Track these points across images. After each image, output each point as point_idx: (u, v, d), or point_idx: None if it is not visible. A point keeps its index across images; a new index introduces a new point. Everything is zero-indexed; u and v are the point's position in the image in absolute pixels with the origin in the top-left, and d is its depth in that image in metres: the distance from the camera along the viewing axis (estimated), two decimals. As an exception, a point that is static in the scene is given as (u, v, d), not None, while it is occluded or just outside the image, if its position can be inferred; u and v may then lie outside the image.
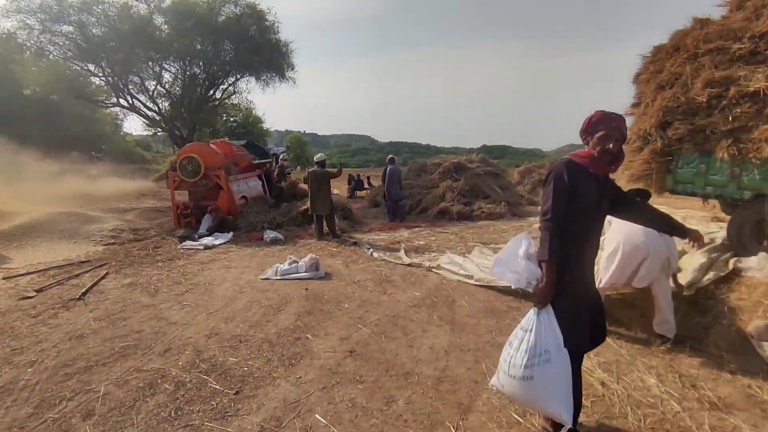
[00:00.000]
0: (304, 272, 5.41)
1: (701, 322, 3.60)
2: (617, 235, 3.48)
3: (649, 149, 5.74)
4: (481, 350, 3.31)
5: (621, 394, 2.61)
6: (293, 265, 5.51)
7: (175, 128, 22.69)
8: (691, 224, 8.93)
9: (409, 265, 5.96)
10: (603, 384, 2.72)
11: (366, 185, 17.97)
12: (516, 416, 2.43)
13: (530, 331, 2.03)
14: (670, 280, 3.65)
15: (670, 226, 2.26)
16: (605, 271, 3.49)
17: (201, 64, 22.01)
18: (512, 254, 2.11)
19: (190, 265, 6.13)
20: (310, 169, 8.18)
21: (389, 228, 9.43)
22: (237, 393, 2.74)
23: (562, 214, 1.97)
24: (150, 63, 20.85)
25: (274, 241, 7.72)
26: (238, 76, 23.59)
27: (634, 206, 2.32)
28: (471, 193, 11.27)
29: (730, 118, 5.01)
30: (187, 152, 9.04)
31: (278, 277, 5.37)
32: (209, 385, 2.84)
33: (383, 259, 6.37)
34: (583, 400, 2.54)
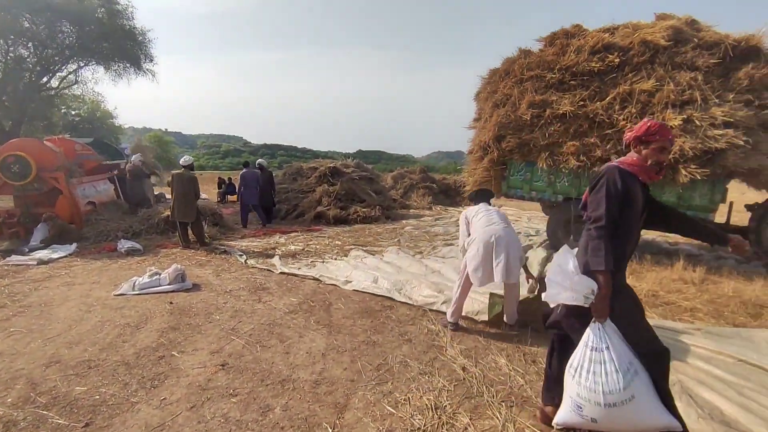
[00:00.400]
0: (168, 285, 4.95)
1: (539, 307, 4.22)
2: (476, 234, 3.76)
3: (488, 159, 6.81)
4: (357, 350, 3.42)
5: (478, 375, 2.94)
6: (155, 278, 5.00)
7: (-6, 120, 18.71)
8: (537, 223, 10.42)
9: (284, 273, 5.85)
10: (464, 369, 3.04)
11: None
12: (390, 408, 2.58)
13: (608, 349, 1.91)
14: (523, 276, 3.97)
15: (709, 234, 2.24)
16: (474, 272, 3.65)
17: (30, 45, 18.53)
18: (563, 271, 1.97)
19: (18, 285, 5.15)
20: (174, 172, 7.51)
21: (264, 233, 9.15)
22: (86, 425, 2.40)
23: (614, 220, 1.95)
24: (-46, 38, 16.88)
25: (131, 252, 6.90)
26: (81, 64, 20.43)
27: (670, 213, 2.30)
28: (347, 197, 11.52)
29: (547, 135, 6.22)
30: (13, 149, 7.57)
31: (136, 292, 4.82)
32: (50, 420, 2.44)
33: (257, 267, 6.16)
34: (447, 384, 2.83)
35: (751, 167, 5.31)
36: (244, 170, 10.22)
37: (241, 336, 3.67)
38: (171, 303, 4.48)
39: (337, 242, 8.14)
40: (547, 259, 5.98)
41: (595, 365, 1.93)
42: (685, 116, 5.51)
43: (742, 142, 5.24)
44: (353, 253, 6.93)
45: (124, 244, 7.05)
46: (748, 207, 6.39)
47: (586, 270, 1.98)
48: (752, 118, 5.44)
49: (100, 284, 5.19)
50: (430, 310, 4.29)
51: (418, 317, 4.15)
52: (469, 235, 3.85)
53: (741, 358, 3.06)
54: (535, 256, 6.09)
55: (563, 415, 2.12)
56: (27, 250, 6.73)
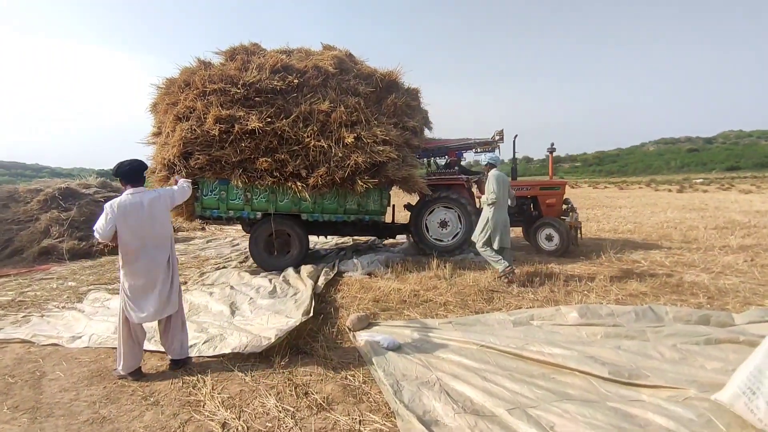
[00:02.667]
0: None
1: (313, 328, 4.03)
2: (126, 243, 3.17)
3: (174, 179, 6.33)
4: (76, 435, 2.51)
5: (242, 430, 2.47)
6: None
7: None
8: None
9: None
10: (224, 425, 2.52)
11: None
12: None
13: None
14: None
15: None
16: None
17: None
18: None
19: None
20: None
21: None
22: None
23: None
24: None
25: None
26: None
27: None
28: (88, 224, 9.31)
29: (239, 151, 6.17)
30: None
31: None
32: None
33: None
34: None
35: (403, 176, 6.51)
36: None
37: None
38: None
39: (70, 283, 6.37)
40: (318, 273, 5.94)
41: None
42: (355, 134, 6.34)
43: (396, 156, 6.43)
44: (92, 295, 5.47)
45: None
46: (407, 207, 7.99)
47: None
48: (400, 137, 6.74)
49: None
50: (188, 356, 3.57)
51: (173, 367, 3.40)
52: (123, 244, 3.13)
53: (482, 344, 3.46)
54: (304, 271, 5.98)
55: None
56: None
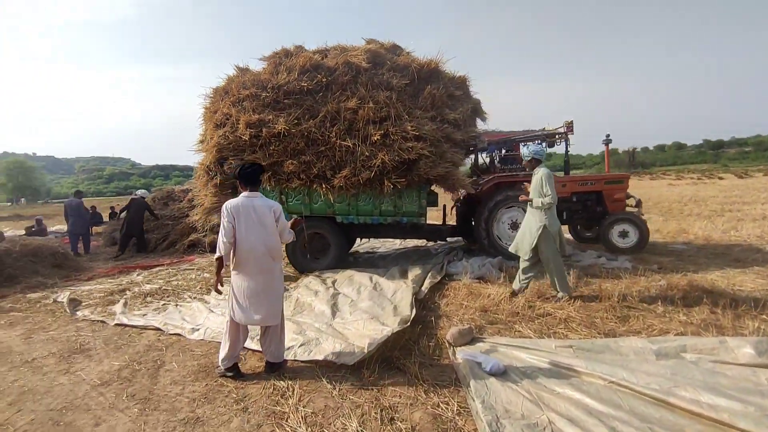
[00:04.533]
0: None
1: (411, 338, 3.72)
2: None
3: (213, 183, 6.42)
4: (172, 434, 2.58)
5: (318, 454, 2.28)
6: None
7: None
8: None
9: (120, 324, 4.74)
10: (301, 446, 2.36)
11: (105, 219, 15.03)
12: None
13: None
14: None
15: None
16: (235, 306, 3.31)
17: None
18: None
19: None
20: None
21: (120, 271, 7.77)
22: None
23: None
24: None
25: None
26: None
27: None
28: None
29: (268, 154, 5.97)
30: None
31: None
32: None
33: (89, 319, 4.97)
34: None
35: (440, 173, 5.87)
36: (71, 200, 10.12)
37: (11, 434, 2.62)
38: None
39: (205, 275, 7.09)
40: (424, 276, 5.61)
41: None
42: (383, 131, 5.79)
43: (429, 153, 5.77)
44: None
45: None
46: (456, 203, 7.74)
47: None
48: (437, 131, 6.04)
49: None
50: (284, 360, 3.55)
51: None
52: (234, 244, 3.21)
53: (611, 380, 2.78)
54: (411, 273, 5.70)
55: None
56: None
